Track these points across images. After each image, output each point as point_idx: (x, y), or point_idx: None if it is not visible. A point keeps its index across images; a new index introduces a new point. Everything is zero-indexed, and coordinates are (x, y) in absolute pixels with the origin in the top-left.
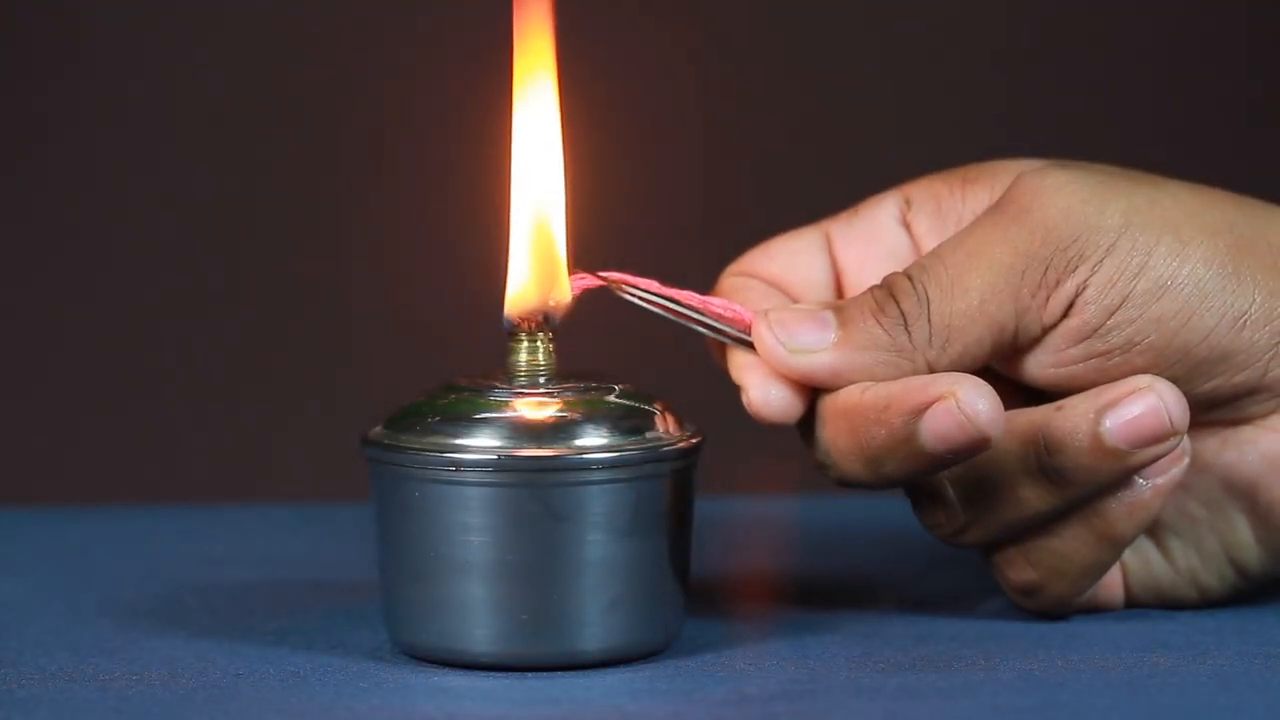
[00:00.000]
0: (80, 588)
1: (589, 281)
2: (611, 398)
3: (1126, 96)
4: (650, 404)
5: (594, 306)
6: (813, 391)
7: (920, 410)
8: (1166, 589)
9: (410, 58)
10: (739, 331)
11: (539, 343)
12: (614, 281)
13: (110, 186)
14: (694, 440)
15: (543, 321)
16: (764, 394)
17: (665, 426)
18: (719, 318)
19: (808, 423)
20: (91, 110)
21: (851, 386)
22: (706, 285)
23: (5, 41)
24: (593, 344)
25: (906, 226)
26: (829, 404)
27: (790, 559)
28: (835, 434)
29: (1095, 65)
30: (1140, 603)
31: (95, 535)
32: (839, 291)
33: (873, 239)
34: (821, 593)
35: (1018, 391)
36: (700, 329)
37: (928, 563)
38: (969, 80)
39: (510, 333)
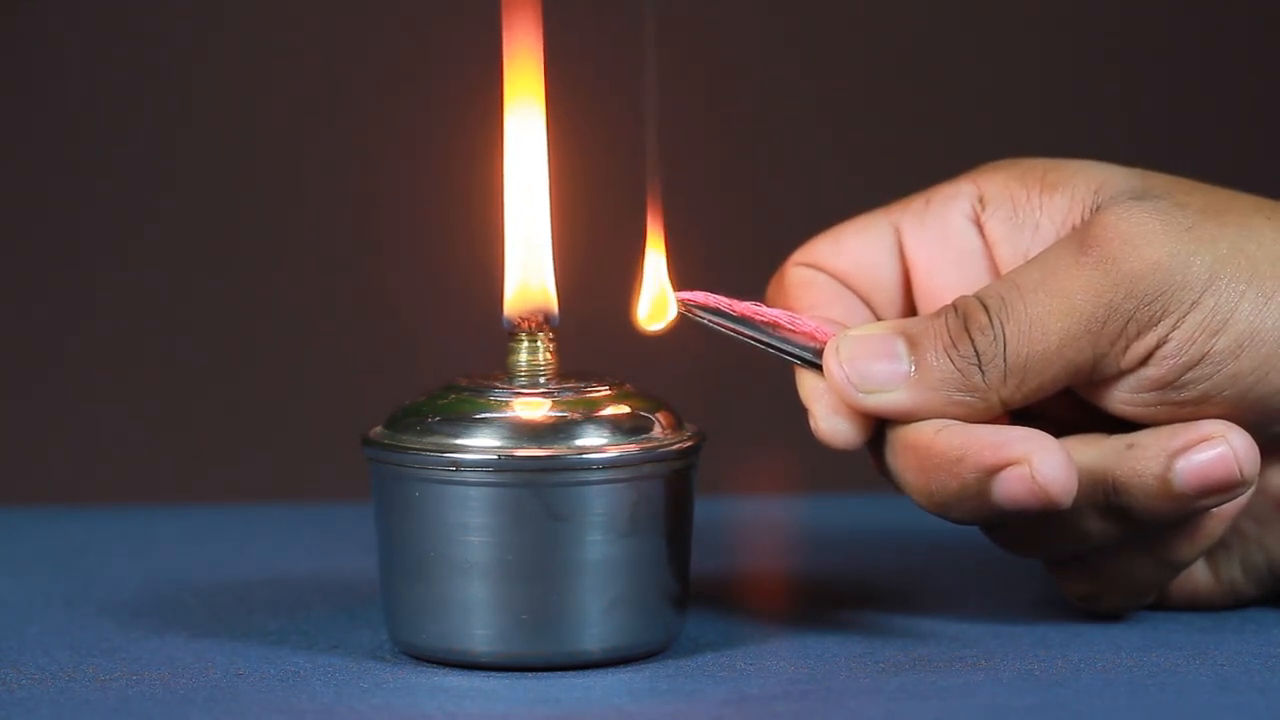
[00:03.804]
0: (80, 588)
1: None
2: (611, 397)
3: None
4: (650, 403)
5: (593, 306)
6: (881, 420)
7: (993, 470)
8: (1203, 596)
9: (410, 58)
10: (810, 353)
11: (539, 343)
12: (682, 302)
13: (112, 187)
14: (694, 440)
15: (543, 321)
16: (831, 425)
17: (665, 426)
18: (791, 334)
19: (878, 440)
20: (90, 112)
21: (923, 424)
22: (742, 287)
23: (8, 40)
24: (593, 344)
25: (979, 226)
26: (899, 436)
27: (790, 559)
28: (904, 468)
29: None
30: (1173, 606)
31: (95, 535)
32: (907, 291)
33: (944, 239)
34: (822, 593)
35: (1090, 409)
36: (770, 351)
37: (928, 563)
38: (963, 68)
39: (510, 333)
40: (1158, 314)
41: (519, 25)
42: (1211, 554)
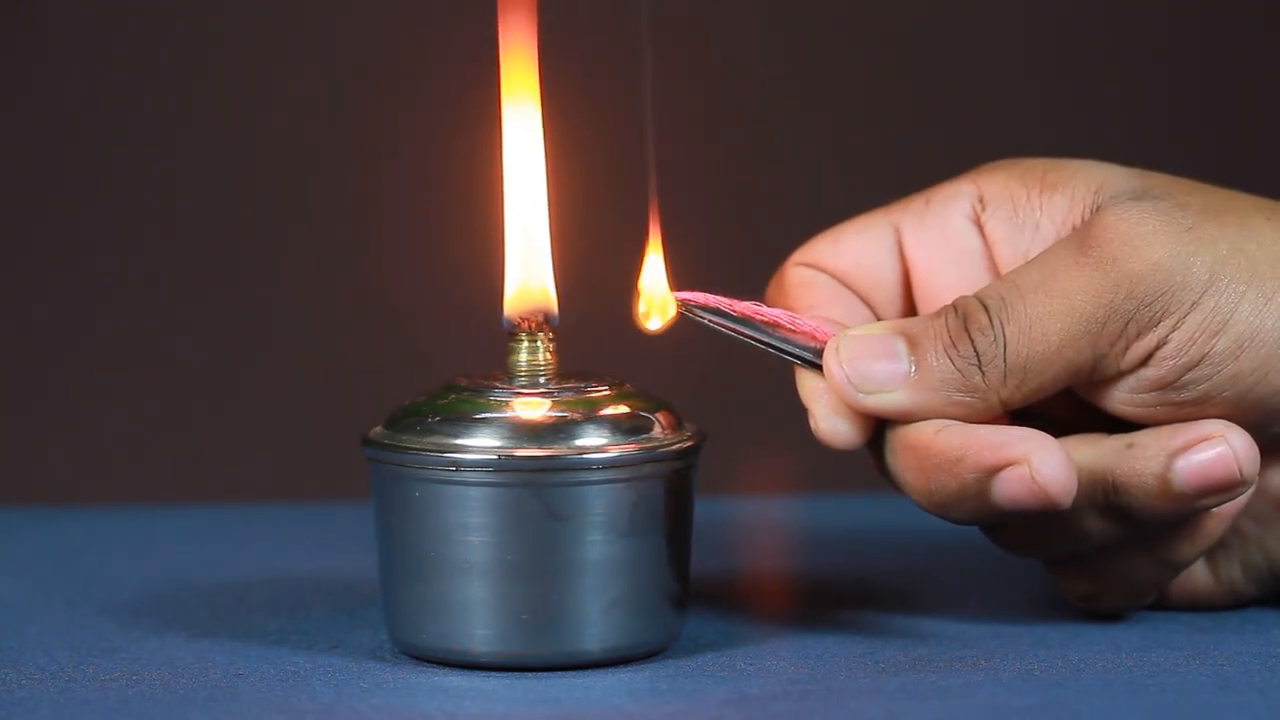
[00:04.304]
0: (80, 588)
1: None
2: (611, 397)
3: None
4: (650, 403)
5: (593, 306)
6: (881, 420)
7: (993, 470)
8: (1203, 596)
9: (410, 58)
10: (810, 353)
11: (539, 343)
12: (681, 303)
13: (113, 188)
14: (694, 440)
15: (543, 321)
16: (831, 425)
17: (665, 426)
18: (791, 334)
19: (877, 440)
20: (90, 112)
21: (923, 424)
22: (741, 286)
23: (10, 41)
24: (593, 344)
25: (979, 226)
26: (899, 436)
27: (790, 559)
28: (904, 468)
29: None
30: (1173, 606)
31: (95, 535)
32: (907, 291)
33: (944, 239)
34: (821, 592)
35: (1090, 409)
36: (770, 351)
37: (928, 563)
38: (955, 72)
39: (510, 333)
40: (1158, 315)
41: (515, 25)
42: (1211, 554)
